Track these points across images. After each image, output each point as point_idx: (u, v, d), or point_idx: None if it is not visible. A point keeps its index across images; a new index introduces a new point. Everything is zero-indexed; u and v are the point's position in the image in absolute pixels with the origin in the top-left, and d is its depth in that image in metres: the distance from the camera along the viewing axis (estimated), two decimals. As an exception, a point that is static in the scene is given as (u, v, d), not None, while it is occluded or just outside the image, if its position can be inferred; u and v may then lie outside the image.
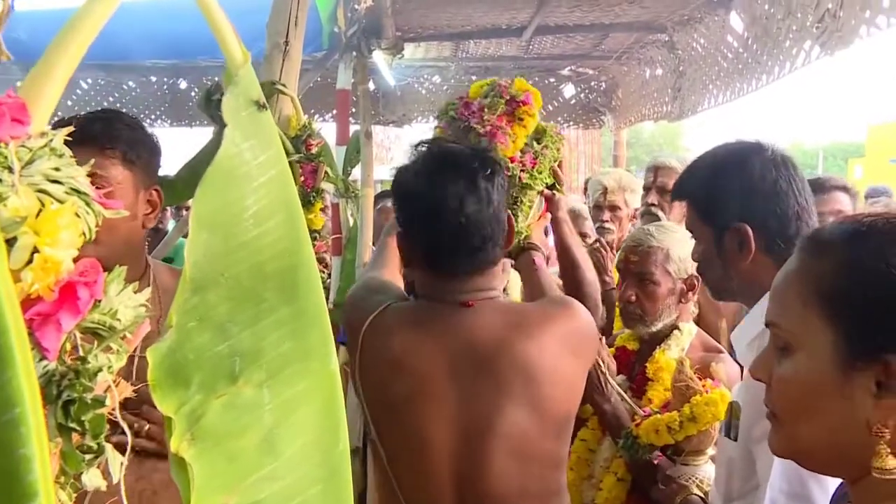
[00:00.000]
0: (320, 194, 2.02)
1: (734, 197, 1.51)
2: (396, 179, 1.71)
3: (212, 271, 0.59)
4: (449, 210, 1.56)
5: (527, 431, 1.54)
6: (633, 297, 2.14)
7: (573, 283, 2.12)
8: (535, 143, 2.12)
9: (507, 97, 2.12)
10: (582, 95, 6.88)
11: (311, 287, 0.64)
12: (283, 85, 1.98)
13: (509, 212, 1.70)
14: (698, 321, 2.92)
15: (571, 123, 7.01)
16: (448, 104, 2.20)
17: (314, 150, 2.01)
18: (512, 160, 2.06)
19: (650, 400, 2.10)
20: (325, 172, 1.99)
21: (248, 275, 0.60)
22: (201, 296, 0.58)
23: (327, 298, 4.77)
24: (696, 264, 2.07)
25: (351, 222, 4.75)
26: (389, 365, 1.59)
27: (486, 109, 2.11)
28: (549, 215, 2.15)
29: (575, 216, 3.62)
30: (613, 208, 3.54)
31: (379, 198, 4.95)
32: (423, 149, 1.72)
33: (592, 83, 6.82)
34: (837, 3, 3.37)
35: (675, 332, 2.18)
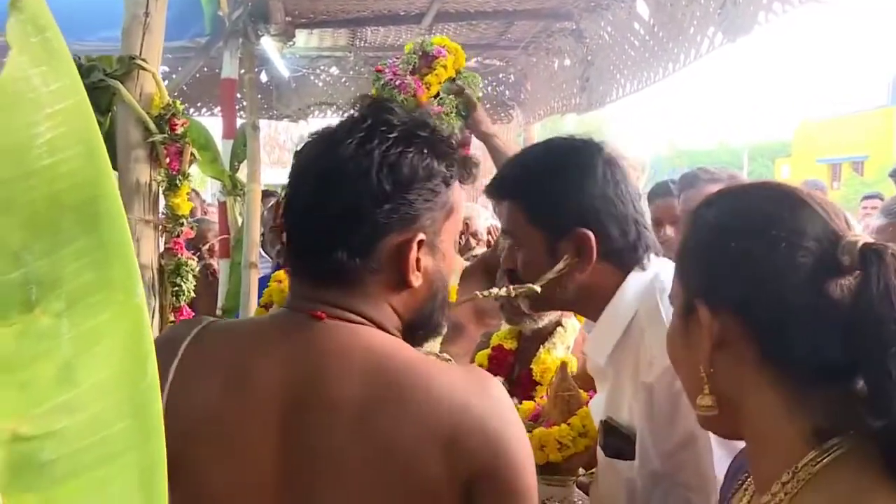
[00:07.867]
0: (186, 177, 2.04)
1: (574, 199, 1.46)
2: None
3: (3, 197, 0.63)
4: (301, 185, 1.19)
5: None
6: None
7: None
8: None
9: (420, 53, 2.73)
10: (490, 88, 6.99)
11: (114, 219, 0.67)
12: (144, 60, 1.99)
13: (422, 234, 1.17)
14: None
15: (480, 118, 7.13)
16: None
17: (179, 130, 2.03)
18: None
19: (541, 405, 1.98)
20: (192, 155, 2.02)
21: (45, 203, 0.63)
22: (-8, 222, 0.62)
23: (215, 304, 4.73)
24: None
25: (240, 222, 4.72)
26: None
27: (400, 66, 2.73)
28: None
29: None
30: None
31: (267, 195, 4.94)
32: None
33: (500, 75, 6.98)
34: (738, -10, 3.63)
35: (559, 328, 2.11)
